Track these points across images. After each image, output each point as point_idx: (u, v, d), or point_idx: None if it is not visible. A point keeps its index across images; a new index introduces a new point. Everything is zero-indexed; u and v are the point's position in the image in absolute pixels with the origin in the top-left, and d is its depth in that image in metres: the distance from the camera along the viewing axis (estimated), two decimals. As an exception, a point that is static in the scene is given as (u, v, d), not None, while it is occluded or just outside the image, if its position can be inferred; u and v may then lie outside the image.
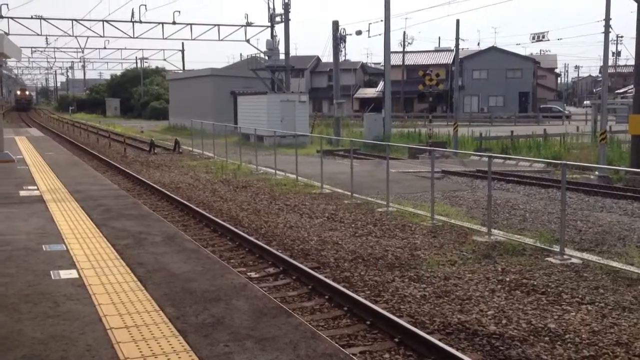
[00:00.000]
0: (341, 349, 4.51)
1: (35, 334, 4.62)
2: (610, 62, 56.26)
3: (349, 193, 15.29)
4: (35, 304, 5.29)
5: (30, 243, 7.48)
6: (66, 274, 6.18)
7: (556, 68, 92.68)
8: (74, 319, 4.92)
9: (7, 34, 36.59)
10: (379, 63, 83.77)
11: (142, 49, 77.84)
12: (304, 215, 13.19)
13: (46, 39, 53.52)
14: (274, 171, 19.72)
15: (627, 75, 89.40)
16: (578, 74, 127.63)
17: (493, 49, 72.35)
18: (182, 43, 75.26)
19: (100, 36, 45.30)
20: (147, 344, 4.43)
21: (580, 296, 7.71)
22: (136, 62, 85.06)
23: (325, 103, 71.53)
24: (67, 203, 10.39)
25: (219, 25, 44.60)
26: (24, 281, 5.93)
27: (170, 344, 4.43)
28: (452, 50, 62.75)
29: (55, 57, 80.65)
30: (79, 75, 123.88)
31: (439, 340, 6.29)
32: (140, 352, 4.30)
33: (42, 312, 5.09)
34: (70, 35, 45.45)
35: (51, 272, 6.24)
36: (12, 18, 40.64)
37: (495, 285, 8.20)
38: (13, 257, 6.83)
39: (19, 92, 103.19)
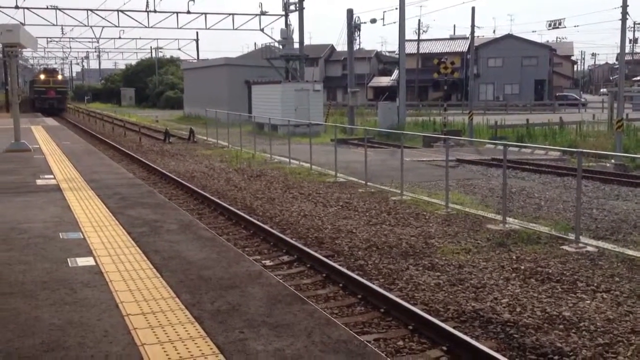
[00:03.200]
0: (356, 335, 4.54)
1: (53, 320, 4.67)
2: (627, 50, 55.67)
3: (363, 182, 15.28)
4: (52, 290, 5.35)
5: (47, 231, 7.55)
6: (83, 261, 6.24)
7: (572, 55, 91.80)
8: (91, 306, 4.97)
9: (23, 24, 36.81)
10: (394, 51, 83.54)
11: (157, 39, 78.18)
12: (318, 203, 13.21)
13: (62, 29, 53.86)
14: (288, 160, 19.74)
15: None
16: (595, 62, 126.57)
17: (509, 37, 71.78)
18: (197, 32, 75.26)
19: (115, 26, 45.47)
20: (164, 330, 4.47)
21: (595, 284, 7.68)
22: (151, 52, 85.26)
23: (339, 92, 71.40)
24: (84, 192, 10.47)
25: (233, 14, 44.62)
26: (41, 268, 5.99)
27: (186, 330, 4.47)
28: (467, 38, 62.39)
29: (70, 47, 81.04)
30: (94, 65, 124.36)
31: (453, 327, 6.30)
32: (157, 338, 4.34)
33: (60, 298, 5.15)
34: (85, 25, 45.73)
35: (68, 259, 6.30)
36: (27, 8, 40.90)
37: (509, 274, 8.19)
38: (30, 245, 6.91)
39: (42, 76, 56.83)
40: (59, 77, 59.64)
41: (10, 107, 26.46)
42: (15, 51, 16.26)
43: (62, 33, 55.55)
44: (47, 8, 42.27)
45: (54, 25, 44.38)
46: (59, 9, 42.61)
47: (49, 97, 54.64)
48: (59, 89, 56.43)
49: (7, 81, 34.37)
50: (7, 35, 15.03)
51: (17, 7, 39.78)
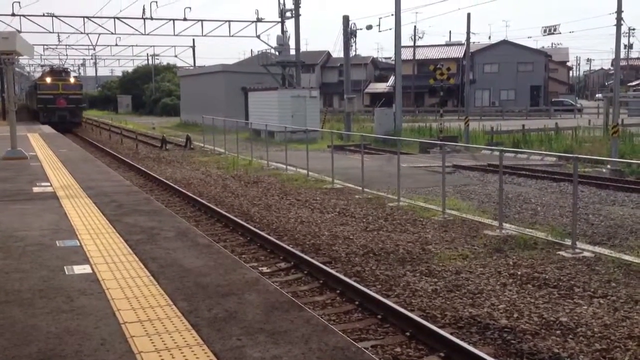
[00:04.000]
0: (353, 342, 4.53)
1: (50, 328, 4.66)
2: (622, 55, 55.89)
3: (360, 188, 15.29)
4: (49, 299, 5.34)
5: (44, 239, 7.53)
6: (80, 269, 6.22)
7: (568, 61, 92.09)
8: (88, 314, 4.96)
9: (20, 31, 36.74)
10: (390, 58, 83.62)
11: (153, 46, 78.15)
12: (315, 210, 13.21)
13: (58, 36, 53.80)
14: (285, 166, 19.75)
15: (639, 68, 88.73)
16: (590, 67, 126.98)
17: (504, 43, 71.99)
18: (193, 39, 75.08)
19: (112, 33, 45.43)
20: (161, 338, 4.47)
21: (592, 290, 7.69)
22: (147, 59, 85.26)
23: (335, 98, 71.50)
24: (80, 199, 10.46)
25: (229, 21, 44.66)
26: (38, 276, 5.98)
27: (183, 338, 4.46)
28: (463, 44, 62.46)
29: (67, 55, 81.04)
30: (90, 72, 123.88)
31: (451, 334, 6.30)
32: (154, 346, 4.33)
33: (57, 307, 5.14)
34: (82, 33, 45.63)
35: (65, 267, 6.29)
36: (24, 16, 40.85)
37: (506, 279, 8.20)
38: (27, 252, 6.89)
39: (48, 80, 42.44)
40: (71, 79, 43.48)
41: (6, 114, 26.40)
42: (12, 59, 16.24)
43: (59, 40, 55.55)
44: (44, 15, 42.30)
45: (50, 32, 44.38)
46: (56, 17, 42.60)
47: (59, 108, 40.93)
48: (71, 96, 41.72)
49: (4, 89, 34.18)
50: (3, 42, 15.02)
51: (13, 14, 39.78)
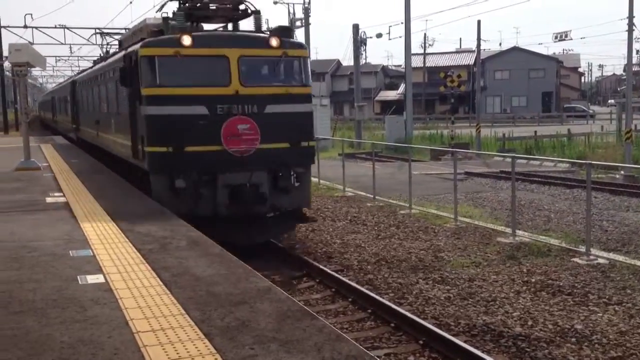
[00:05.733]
0: (366, 351, 4.50)
1: (63, 338, 4.66)
2: (634, 60, 55.59)
3: (372, 196, 15.27)
4: (63, 308, 5.34)
5: (57, 249, 7.55)
6: (93, 278, 6.23)
7: (579, 67, 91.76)
8: (101, 323, 4.96)
9: (32, 43, 37.07)
10: (400, 65, 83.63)
11: (164, 56, 77.98)
12: (326, 218, 13.19)
13: (70, 47, 54.09)
14: (296, 175, 19.72)
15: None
16: (602, 73, 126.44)
17: (515, 49, 71.86)
18: (203, 49, 75.30)
19: (123, 44, 45.67)
20: (174, 347, 4.46)
21: (607, 297, 7.63)
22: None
23: (346, 106, 71.54)
24: (93, 209, 10.48)
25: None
26: (51, 286, 5.99)
27: (196, 347, 4.45)
28: (473, 51, 62.44)
29: (79, 66, 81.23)
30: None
31: (464, 342, 6.27)
32: (167, 355, 4.32)
33: (70, 316, 5.14)
34: (93, 44, 45.89)
35: (78, 277, 6.30)
36: (36, 28, 41.17)
37: (520, 287, 8.15)
38: (40, 263, 6.91)
39: (186, 42, 9.64)
40: (276, 46, 10.75)
41: (19, 125, 26.53)
42: (25, 70, 16.35)
43: (71, 52, 55.93)
44: (56, 27, 42.56)
45: (62, 44, 44.55)
46: (67, 28, 42.87)
47: (236, 159, 9.66)
48: (283, 109, 10.81)
49: (17, 100, 34.35)
50: (16, 54, 15.14)
51: (25, 26, 40.09)
